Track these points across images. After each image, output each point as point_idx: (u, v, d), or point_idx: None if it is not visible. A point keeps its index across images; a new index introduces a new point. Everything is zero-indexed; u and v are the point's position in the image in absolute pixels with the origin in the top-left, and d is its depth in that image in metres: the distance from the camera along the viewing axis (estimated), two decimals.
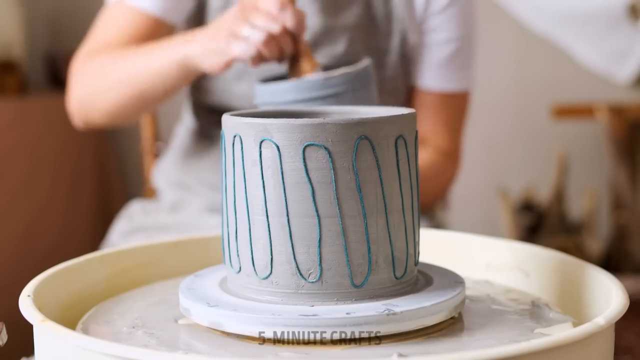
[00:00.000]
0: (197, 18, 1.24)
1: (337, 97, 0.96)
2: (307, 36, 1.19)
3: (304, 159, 0.67)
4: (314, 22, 1.19)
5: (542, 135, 2.81)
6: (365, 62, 1.02)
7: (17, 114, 2.27)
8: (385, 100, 1.23)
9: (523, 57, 2.81)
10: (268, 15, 0.98)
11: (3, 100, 2.30)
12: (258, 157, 0.68)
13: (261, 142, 0.68)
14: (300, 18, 0.99)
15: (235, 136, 0.70)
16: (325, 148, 0.67)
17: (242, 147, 0.69)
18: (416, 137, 0.73)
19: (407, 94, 1.28)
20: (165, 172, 1.34)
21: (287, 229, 0.68)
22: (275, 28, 0.97)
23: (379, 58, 1.21)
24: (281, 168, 0.67)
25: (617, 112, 2.46)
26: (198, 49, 1.04)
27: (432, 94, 1.26)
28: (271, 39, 0.98)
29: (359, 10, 1.20)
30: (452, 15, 1.23)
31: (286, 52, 1.00)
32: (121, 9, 1.19)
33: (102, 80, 1.17)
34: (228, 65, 1.02)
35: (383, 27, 1.21)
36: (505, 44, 2.81)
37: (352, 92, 0.97)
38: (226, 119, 0.71)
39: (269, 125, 0.67)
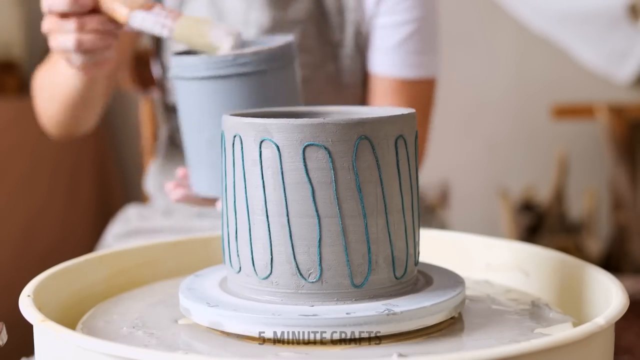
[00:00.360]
0: None
1: (251, 77, 0.86)
2: (256, 30, 1.16)
3: (304, 159, 0.67)
4: (262, 15, 1.16)
5: (542, 135, 2.81)
6: (285, 39, 0.91)
7: (17, 114, 2.27)
8: (343, 93, 1.20)
9: (523, 57, 2.81)
10: None
11: (3, 100, 2.30)
12: (258, 157, 0.68)
13: (261, 142, 0.68)
14: None
15: (235, 136, 0.70)
16: (325, 148, 0.67)
17: (242, 147, 0.69)
18: (416, 137, 0.73)
19: (365, 85, 1.24)
20: (153, 177, 1.33)
21: (287, 229, 0.68)
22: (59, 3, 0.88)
23: (333, 51, 1.18)
24: (281, 168, 0.67)
25: (617, 112, 2.46)
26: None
27: (389, 80, 1.21)
28: (68, 14, 0.89)
29: (309, 3, 1.18)
30: None
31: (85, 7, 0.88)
32: None
33: (39, 97, 1.22)
34: (85, 68, 0.95)
35: (335, 19, 1.17)
36: (505, 44, 2.81)
37: (269, 73, 0.87)
38: (226, 119, 0.71)
39: (269, 125, 0.67)
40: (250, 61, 0.86)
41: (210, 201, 0.91)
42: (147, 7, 0.88)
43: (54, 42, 0.92)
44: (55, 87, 1.14)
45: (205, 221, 1.23)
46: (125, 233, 1.28)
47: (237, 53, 0.86)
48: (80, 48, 0.90)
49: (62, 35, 0.90)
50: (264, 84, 0.87)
